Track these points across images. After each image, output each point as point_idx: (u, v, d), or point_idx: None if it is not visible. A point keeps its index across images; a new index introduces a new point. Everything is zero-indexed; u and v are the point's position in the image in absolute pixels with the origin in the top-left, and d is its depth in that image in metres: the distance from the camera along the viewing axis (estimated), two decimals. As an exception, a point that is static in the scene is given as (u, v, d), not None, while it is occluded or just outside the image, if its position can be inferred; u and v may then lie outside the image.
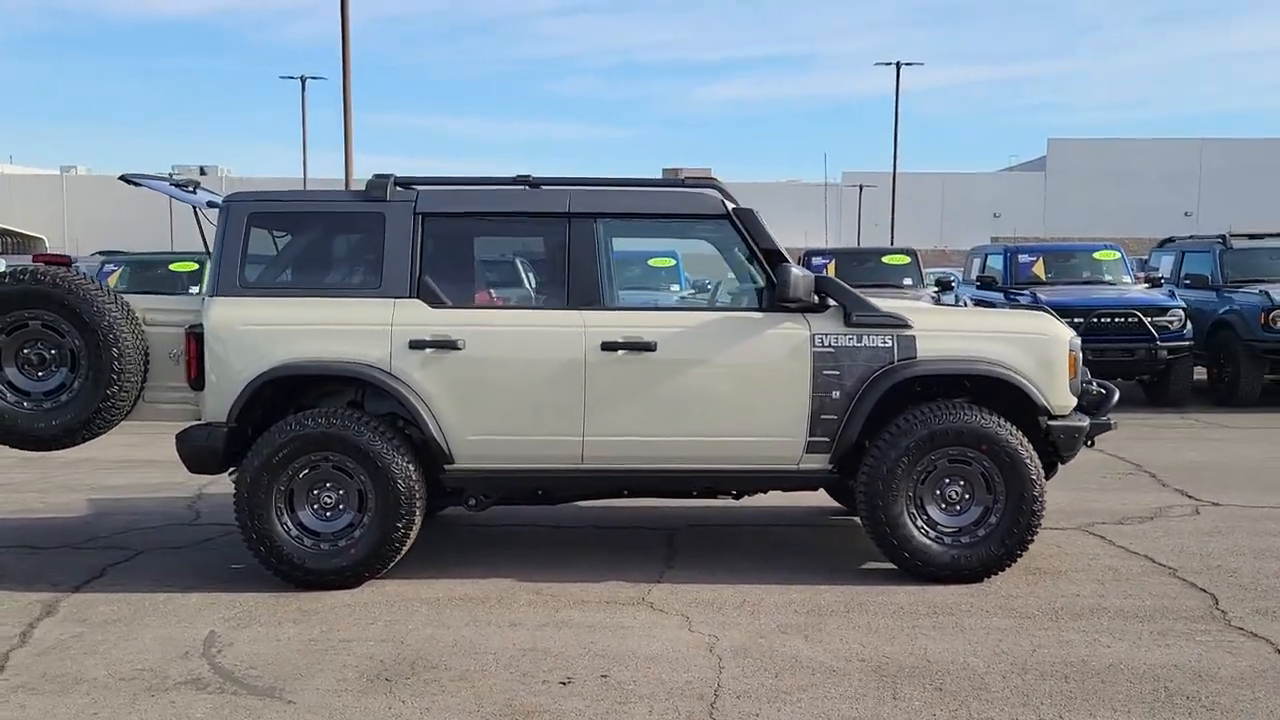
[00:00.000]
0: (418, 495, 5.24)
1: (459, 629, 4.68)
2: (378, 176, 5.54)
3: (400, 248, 5.37)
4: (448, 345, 5.23)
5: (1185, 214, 57.75)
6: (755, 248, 5.40)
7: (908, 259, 14.36)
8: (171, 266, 13.35)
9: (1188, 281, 13.20)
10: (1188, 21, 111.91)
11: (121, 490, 7.82)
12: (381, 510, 5.20)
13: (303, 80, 43.04)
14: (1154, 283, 13.05)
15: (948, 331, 5.36)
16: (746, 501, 6.08)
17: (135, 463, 8.71)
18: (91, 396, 5.22)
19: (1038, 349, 5.34)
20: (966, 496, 5.29)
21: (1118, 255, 13.68)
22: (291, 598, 5.13)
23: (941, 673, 4.12)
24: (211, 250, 5.51)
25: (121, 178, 5.88)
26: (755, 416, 5.30)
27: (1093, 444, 5.59)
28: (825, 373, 5.26)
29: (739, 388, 5.29)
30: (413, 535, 5.29)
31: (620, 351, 5.24)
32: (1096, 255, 13.71)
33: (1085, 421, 5.41)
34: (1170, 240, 15.04)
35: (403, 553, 5.30)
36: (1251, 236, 13.66)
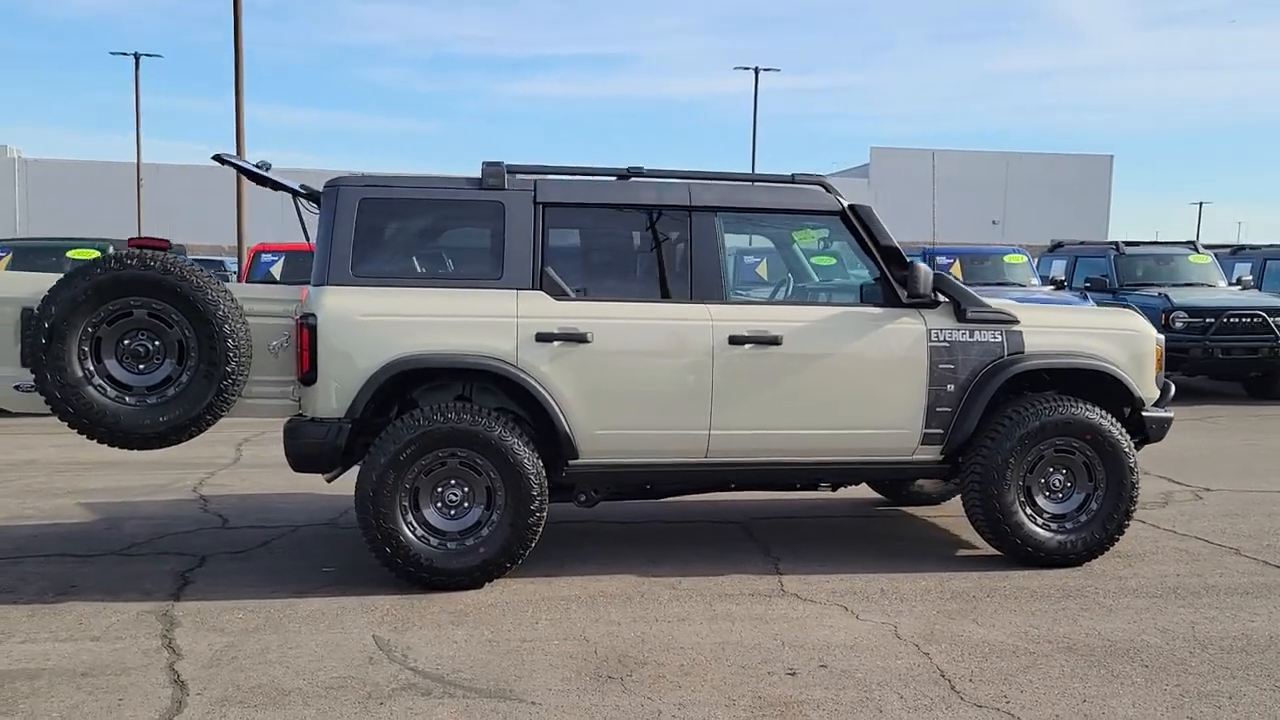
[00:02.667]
0: (546, 491, 5.13)
1: (632, 625, 4.61)
2: (490, 164, 5.39)
3: (522, 238, 5.24)
4: (576, 338, 5.14)
5: (993, 222, 61.25)
6: (873, 244, 5.52)
7: (1024, 258, 14.88)
8: (70, 254, 12.49)
9: (1087, 285, 14.12)
10: (966, 42, 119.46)
11: (107, 494, 7.28)
12: (513, 507, 5.06)
13: (136, 57, 40.57)
14: (1058, 285, 13.95)
15: (1052, 327, 5.62)
16: (789, 495, 6.17)
17: (83, 465, 8.15)
18: (203, 391, 4.87)
19: (1131, 345, 5.68)
20: (1069, 484, 5.56)
21: (1025, 259, 14.55)
22: (424, 600, 4.93)
23: (1134, 650, 4.34)
24: (317, 237, 5.23)
25: (215, 157, 5.52)
26: (875, 409, 5.42)
27: None
28: (941, 367, 5.43)
29: (861, 381, 5.40)
30: (540, 533, 5.17)
31: (747, 346, 5.27)
32: (1007, 259, 14.51)
33: (1171, 413, 5.77)
34: (1060, 246, 16.07)
35: (528, 552, 5.17)
36: (1128, 244, 14.75)
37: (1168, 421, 5.73)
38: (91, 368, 4.82)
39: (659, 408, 5.25)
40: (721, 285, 5.38)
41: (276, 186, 5.69)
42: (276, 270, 13.51)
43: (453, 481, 5.10)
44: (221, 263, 27.74)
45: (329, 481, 6.45)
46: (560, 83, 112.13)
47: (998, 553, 5.63)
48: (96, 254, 12.27)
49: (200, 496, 7.25)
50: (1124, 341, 5.67)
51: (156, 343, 4.91)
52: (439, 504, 5.10)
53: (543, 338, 5.13)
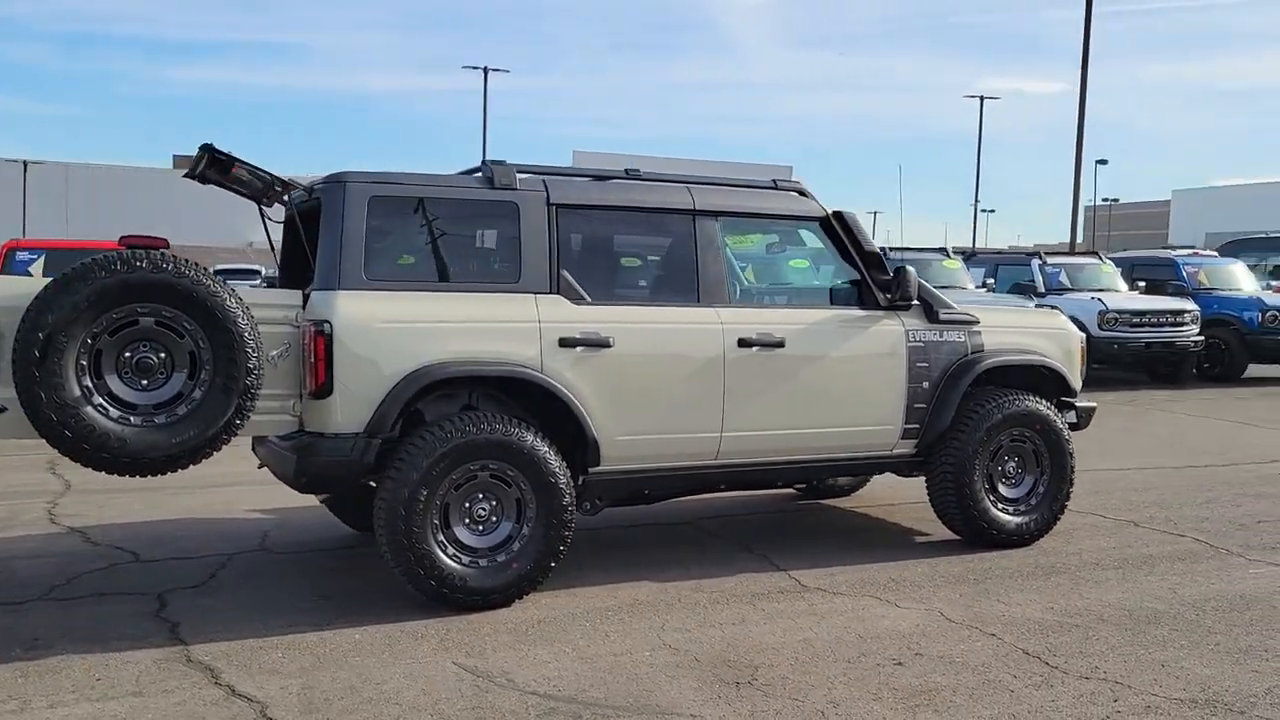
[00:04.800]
0: (574, 501, 5.00)
1: (701, 630, 4.59)
2: (495, 162, 5.18)
3: (538, 240, 5.08)
4: (599, 344, 5.04)
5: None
6: (855, 249, 5.76)
7: (959, 263, 15.86)
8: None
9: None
10: (642, 52, 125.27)
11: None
12: (544, 520, 4.90)
13: None
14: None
15: (1003, 328, 6.09)
16: (719, 497, 6.38)
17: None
18: (220, 407, 4.38)
19: (1064, 341, 6.26)
20: (1020, 471, 6.05)
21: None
22: (463, 622, 4.68)
23: (1153, 616, 4.81)
24: (321, 238, 4.82)
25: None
26: (865, 407, 5.67)
27: None
28: (918, 365, 5.77)
29: (853, 381, 5.63)
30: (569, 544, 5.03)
31: (754, 348, 5.37)
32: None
33: (1095, 403, 6.41)
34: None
35: (556, 564, 5.02)
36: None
37: (1093, 410, 6.37)
38: (90, 384, 4.22)
39: (676, 412, 5.24)
40: (726, 288, 5.44)
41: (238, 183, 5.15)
42: (36, 269, 12.08)
43: (480, 495, 4.86)
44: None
45: (322, 502, 6.00)
46: (231, 69, 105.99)
47: (954, 537, 6.05)
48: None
49: (70, 529, 6.43)
50: (1058, 339, 6.25)
51: (162, 354, 4.36)
52: (466, 520, 4.84)
53: (565, 343, 4.99)
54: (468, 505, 4.84)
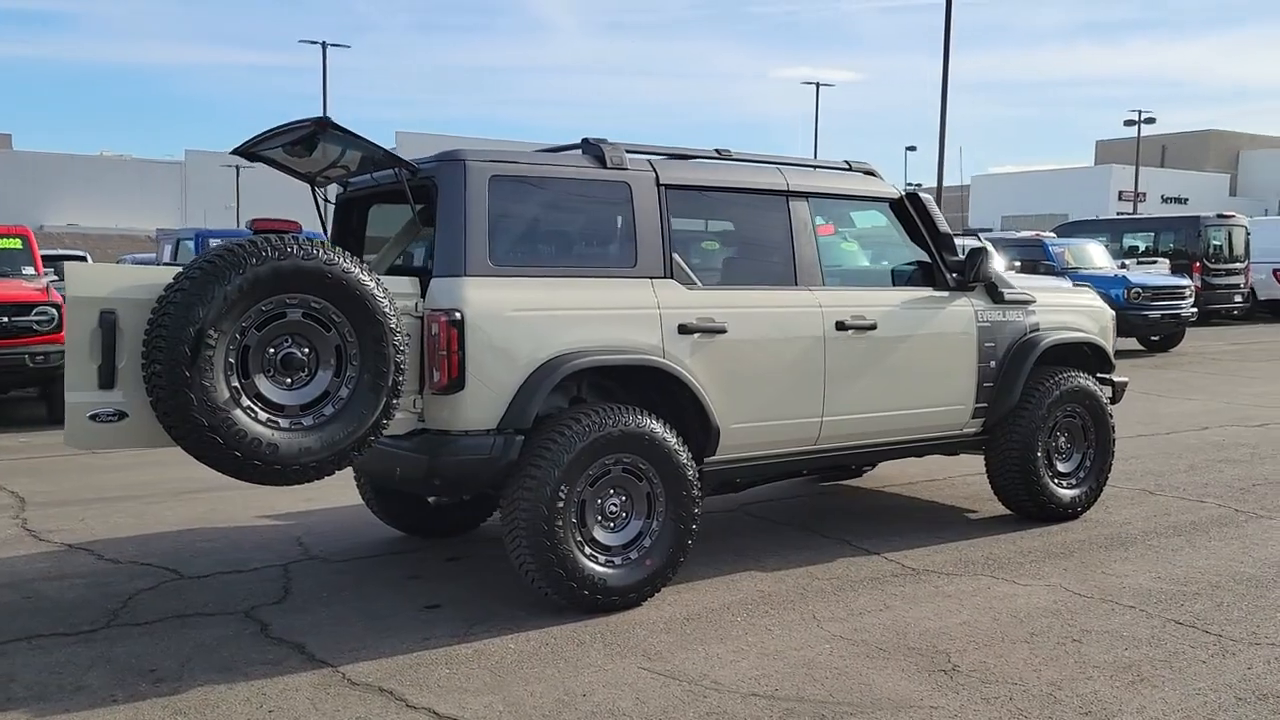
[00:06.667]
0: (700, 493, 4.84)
1: (856, 620, 4.51)
2: (592, 141, 4.93)
3: (651, 222, 4.87)
4: (715, 330, 4.89)
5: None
6: (928, 231, 5.77)
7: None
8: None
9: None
10: (449, 33, 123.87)
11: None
12: (674, 514, 4.72)
13: None
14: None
15: (1053, 307, 6.23)
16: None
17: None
18: (368, 406, 4.01)
19: (1101, 318, 6.47)
20: (1070, 446, 6.23)
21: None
22: (603, 625, 4.46)
23: (1259, 580, 5.02)
24: (441, 222, 4.47)
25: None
26: (944, 387, 5.71)
27: None
28: (985, 345, 5.85)
29: (935, 361, 5.66)
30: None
31: (850, 331, 5.32)
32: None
33: (1127, 377, 6.66)
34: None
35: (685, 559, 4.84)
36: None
37: (1126, 384, 6.61)
38: (239, 384, 3.77)
39: (783, 397, 5.14)
40: (819, 270, 5.36)
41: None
42: None
43: (611, 491, 4.64)
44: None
45: (367, 503, 5.63)
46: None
47: (1003, 512, 6.20)
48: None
49: (69, 546, 5.80)
50: (1096, 316, 6.46)
51: (307, 350, 3.95)
52: (599, 517, 4.61)
53: (684, 329, 4.81)
54: (600, 502, 4.61)
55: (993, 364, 5.86)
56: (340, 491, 6.27)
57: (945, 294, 5.75)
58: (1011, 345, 5.94)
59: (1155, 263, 21.21)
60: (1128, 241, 23.80)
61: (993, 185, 68.98)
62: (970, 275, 5.71)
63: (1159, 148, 65.94)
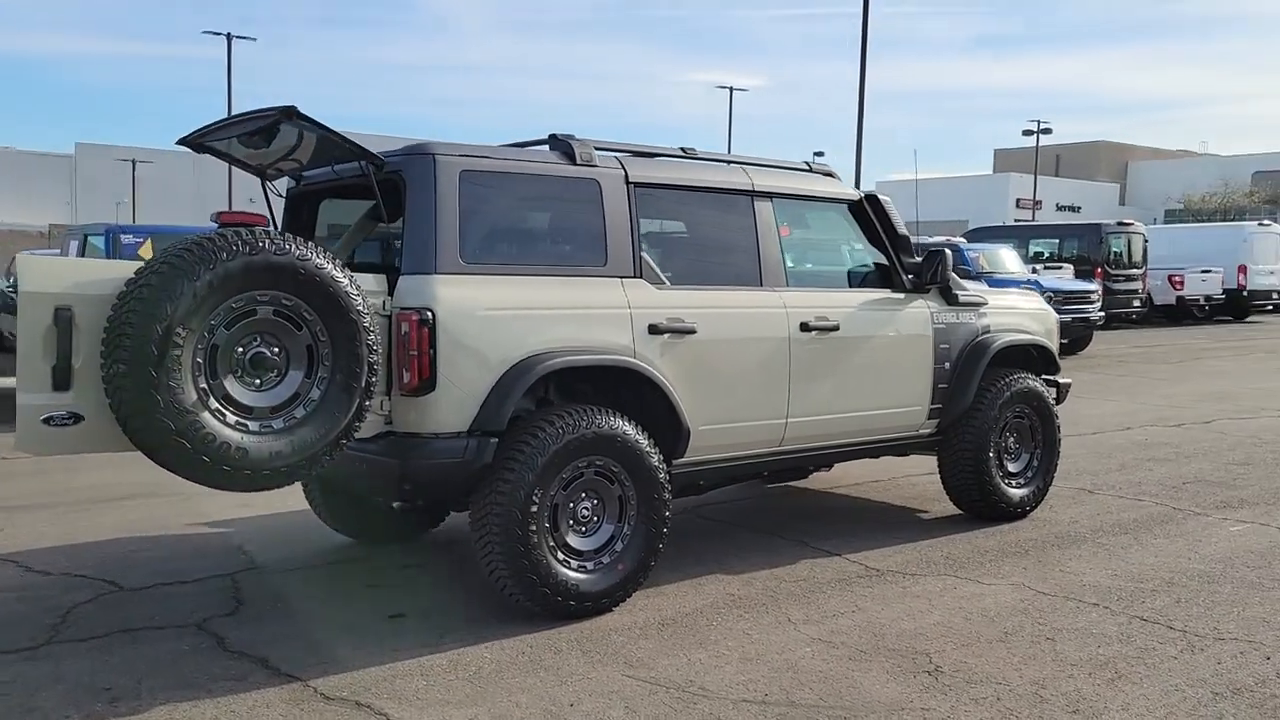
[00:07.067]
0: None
1: (832, 621, 4.49)
2: (559, 137, 4.83)
3: (620, 220, 4.79)
4: (684, 330, 4.83)
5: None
6: (885, 233, 5.79)
7: None
8: None
9: None
10: (351, 28, 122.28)
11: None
12: (646, 517, 4.64)
13: None
14: None
15: (1002, 309, 6.31)
16: None
17: None
18: (340, 408, 3.85)
19: (1047, 321, 6.58)
20: (1018, 446, 6.31)
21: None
22: (576, 631, 4.36)
23: (1207, 576, 5.13)
24: (410, 217, 4.32)
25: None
26: (903, 388, 5.74)
27: None
28: (941, 346, 5.89)
29: (894, 363, 5.68)
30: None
31: (813, 332, 5.31)
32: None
33: (1070, 379, 6.77)
34: None
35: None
36: None
37: (1070, 385, 6.73)
38: (206, 386, 3.58)
39: (749, 398, 5.10)
40: (784, 271, 5.33)
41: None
42: None
43: (583, 495, 4.54)
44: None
45: (314, 508, 5.46)
46: None
47: (953, 512, 6.26)
48: None
49: (15, 562, 5.49)
50: (1042, 319, 6.57)
51: (277, 350, 3.77)
52: (570, 521, 4.51)
53: (654, 330, 4.74)
54: (572, 506, 4.51)
55: (947, 365, 5.91)
56: (277, 496, 6.03)
57: (901, 296, 5.78)
58: (965, 347, 5.99)
59: (1061, 268, 21.78)
60: (1033, 247, 24.40)
61: (894, 191, 70.14)
62: (928, 277, 5.75)
63: (1054, 157, 68.07)
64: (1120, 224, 23.84)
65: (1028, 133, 52.34)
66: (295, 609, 4.68)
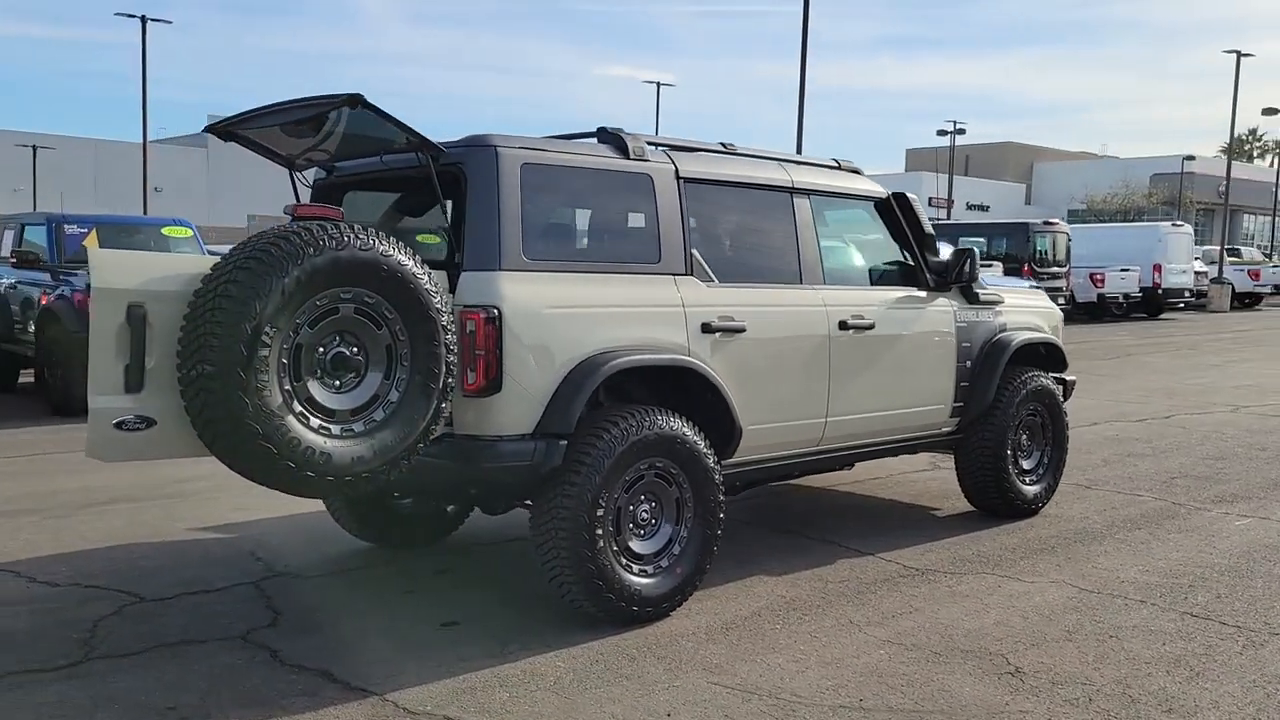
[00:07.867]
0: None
1: (894, 622, 4.45)
2: (610, 130, 4.72)
3: (672, 217, 4.70)
4: (735, 329, 4.75)
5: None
6: (912, 231, 5.78)
7: (190, 231, 12.43)
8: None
9: None
10: (258, 15, 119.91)
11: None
12: (702, 518, 4.56)
13: None
14: None
15: (1017, 308, 6.36)
16: None
17: None
18: (418, 410, 3.69)
19: (1053, 319, 6.65)
20: (1030, 443, 6.37)
21: (190, 233, 12.62)
22: (640, 637, 4.26)
23: (1237, 570, 5.23)
24: (471, 212, 4.16)
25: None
26: (930, 386, 5.74)
27: None
28: (963, 344, 5.91)
29: (922, 361, 5.68)
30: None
31: (851, 330, 5.28)
32: (165, 230, 12.45)
33: (1074, 376, 6.86)
34: None
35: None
36: None
37: (1074, 383, 6.82)
38: (290, 388, 3.39)
39: (795, 398, 5.05)
40: (821, 269, 5.29)
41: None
42: None
43: (642, 497, 4.43)
44: None
45: (330, 510, 5.28)
46: None
47: (966, 509, 6.30)
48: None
49: (15, 572, 5.18)
50: (1049, 317, 6.64)
51: (356, 349, 3.59)
52: (631, 524, 4.40)
53: (707, 329, 4.66)
54: (633, 509, 4.40)
55: (968, 364, 5.93)
56: (274, 499, 5.76)
57: (926, 294, 5.78)
58: (984, 345, 6.02)
59: (990, 266, 22.23)
60: (961, 245, 24.90)
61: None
62: (955, 276, 5.76)
63: (964, 157, 69.50)
64: (1046, 223, 24.46)
65: (942, 133, 53.33)
66: (338, 618, 4.48)
